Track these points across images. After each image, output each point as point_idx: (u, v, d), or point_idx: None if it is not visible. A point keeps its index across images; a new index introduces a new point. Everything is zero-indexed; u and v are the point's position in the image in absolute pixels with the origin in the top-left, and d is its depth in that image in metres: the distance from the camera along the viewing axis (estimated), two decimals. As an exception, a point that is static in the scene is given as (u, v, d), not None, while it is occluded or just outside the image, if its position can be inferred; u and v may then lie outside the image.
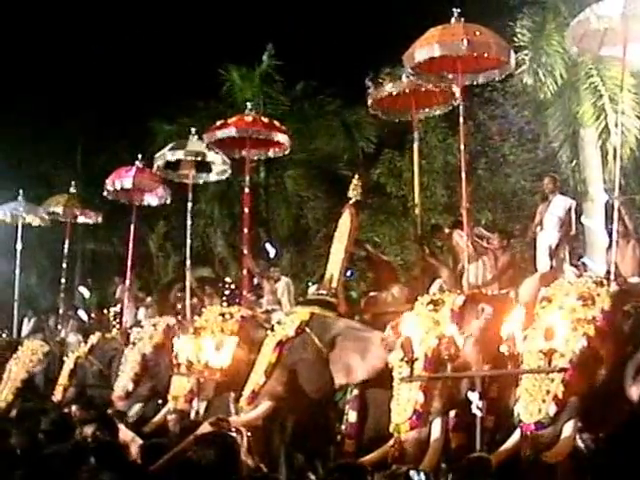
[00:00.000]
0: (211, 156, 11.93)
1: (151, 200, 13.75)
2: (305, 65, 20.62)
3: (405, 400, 7.61)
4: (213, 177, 12.83)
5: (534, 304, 7.38)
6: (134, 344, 10.77)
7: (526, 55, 16.51)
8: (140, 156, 13.28)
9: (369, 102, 11.13)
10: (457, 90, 9.76)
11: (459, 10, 9.18)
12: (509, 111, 18.97)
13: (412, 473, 6.12)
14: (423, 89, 10.51)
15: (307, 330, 8.71)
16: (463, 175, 9.13)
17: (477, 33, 9.10)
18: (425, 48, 9.13)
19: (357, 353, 8.49)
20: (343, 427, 8.51)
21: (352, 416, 8.46)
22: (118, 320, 12.79)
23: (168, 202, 13.87)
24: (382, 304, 9.52)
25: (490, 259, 9.92)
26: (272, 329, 9.06)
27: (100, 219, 15.46)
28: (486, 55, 9.22)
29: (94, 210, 15.33)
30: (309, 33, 21.50)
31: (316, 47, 21.04)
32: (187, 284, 12.04)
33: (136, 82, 22.99)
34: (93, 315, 15.17)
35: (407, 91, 10.68)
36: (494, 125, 19.57)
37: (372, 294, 10.57)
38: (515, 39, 16.33)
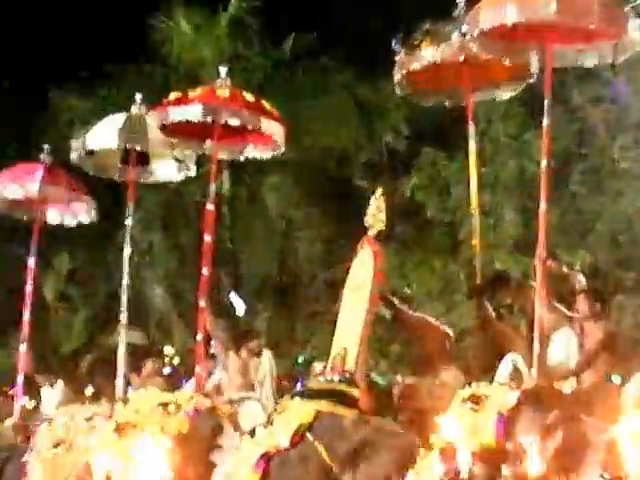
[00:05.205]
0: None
1: (64, 217, 13.69)
2: (297, 14, 21.00)
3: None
4: (171, 175, 13.04)
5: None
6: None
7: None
8: (46, 147, 13.24)
9: (397, 77, 11.42)
10: (536, 66, 10.00)
11: None
12: (621, 92, 19.19)
13: None
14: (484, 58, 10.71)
15: (309, 437, 8.81)
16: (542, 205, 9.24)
17: None
18: (496, 9, 9.27)
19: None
20: None
21: None
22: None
23: (94, 219, 13.81)
24: (425, 397, 9.66)
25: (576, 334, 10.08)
26: (252, 434, 9.15)
27: None
28: (588, 25, 9.39)
29: None
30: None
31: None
32: (120, 351, 12.12)
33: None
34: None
35: (459, 59, 10.99)
36: (597, 113, 19.76)
37: (410, 381, 10.73)
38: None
